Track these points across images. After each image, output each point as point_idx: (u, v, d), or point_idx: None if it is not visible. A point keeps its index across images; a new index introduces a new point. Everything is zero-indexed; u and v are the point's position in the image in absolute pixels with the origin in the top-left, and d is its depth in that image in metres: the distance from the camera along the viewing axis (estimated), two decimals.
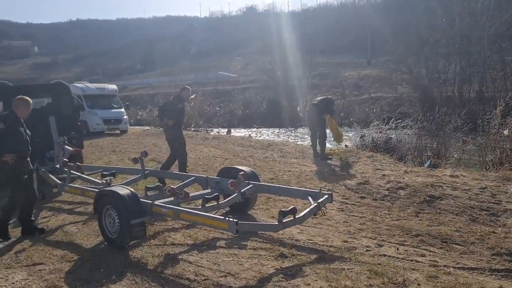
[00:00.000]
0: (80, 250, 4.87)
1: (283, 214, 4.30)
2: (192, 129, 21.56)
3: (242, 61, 73.97)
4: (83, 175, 7.06)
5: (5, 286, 4.03)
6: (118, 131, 20.42)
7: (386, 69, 41.05)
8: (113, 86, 23.19)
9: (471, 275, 3.92)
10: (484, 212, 5.89)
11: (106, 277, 4.04)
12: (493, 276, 3.95)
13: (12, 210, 5.47)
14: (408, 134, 13.02)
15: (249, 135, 18.70)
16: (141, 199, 4.90)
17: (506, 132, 10.40)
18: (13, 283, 4.08)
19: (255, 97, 39.84)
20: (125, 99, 31.18)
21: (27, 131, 5.55)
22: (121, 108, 21.34)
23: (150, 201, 4.88)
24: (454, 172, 7.98)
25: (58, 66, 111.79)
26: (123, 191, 4.84)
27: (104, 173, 6.46)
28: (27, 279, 4.15)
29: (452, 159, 10.75)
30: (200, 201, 5.11)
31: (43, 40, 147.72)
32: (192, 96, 26.24)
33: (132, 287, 3.80)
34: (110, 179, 5.95)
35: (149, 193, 5.51)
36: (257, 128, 29.00)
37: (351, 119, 18.21)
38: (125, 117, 21.43)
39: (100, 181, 6.24)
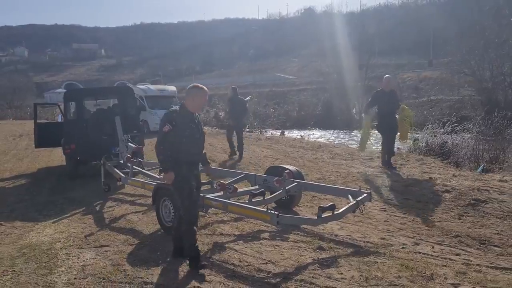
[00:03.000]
0: (140, 235, 5.47)
1: (322, 209, 4.64)
2: (247, 129, 22.13)
3: (299, 63, 74.13)
4: (143, 170, 7.72)
5: (77, 263, 4.66)
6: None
7: (448, 70, 39.69)
8: (173, 88, 24.31)
9: (502, 273, 4.07)
10: None
11: (162, 258, 4.58)
12: None
13: (193, 223, 4.45)
14: (464, 138, 12.78)
15: (301, 136, 18.97)
16: None
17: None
18: (83, 260, 4.71)
19: (311, 99, 39.89)
20: (183, 99, 32.54)
21: (201, 126, 4.63)
22: None
23: (202, 195, 5.38)
24: (503, 177, 7.89)
25: (122, 67, 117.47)
26: None
27: (161, 169, 7.05)
28: (95, 258, 4.77)
29: (506, 164, 10.48)
30: (247, 197, 5.57)
31: (109, 43, 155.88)
32: (248, 98, 26.93)
33: (183, 268, 4.29)
34: None
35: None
36: (310, 129, 29.15)
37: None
38: None
39: (158, 176, 6.84)
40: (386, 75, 9.57)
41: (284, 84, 54.26)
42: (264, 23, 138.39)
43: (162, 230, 5.52)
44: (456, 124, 13.08)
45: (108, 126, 9.31)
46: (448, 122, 13.22)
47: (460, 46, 33.18)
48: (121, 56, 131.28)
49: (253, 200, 5.30)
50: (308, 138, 18.37)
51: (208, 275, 4.10)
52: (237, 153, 11.56)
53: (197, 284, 3.92)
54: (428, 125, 13.93)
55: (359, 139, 10.12)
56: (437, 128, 13.34)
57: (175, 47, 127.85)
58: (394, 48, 62.46)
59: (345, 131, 29.03)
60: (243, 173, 6.92)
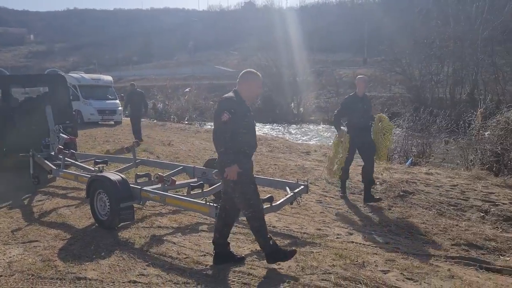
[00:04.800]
0: (72, 230, 5.25)
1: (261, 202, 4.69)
2: (186, 122, 21.89)
3: (239, 56, 74.17)
4: (76, 162, 7.41)
5: (3, 259, 4.39)
6: (112, 122, 20.72)
7: (381, 69, 41.47)
8: (109, 77, 23.45)
9: (427, 260, 4.34)
10: (451, 207, 6.33)
11: (96, 253, 4.43)
12: (447, 262, 4.37)
13: (262, 217, 4.07)
14: (395, 133, 13.43)
15: None
16: (131, 185, 5.29)
17: (487, 134, 10.85)
18: (10, 257, 4.45)
19: None
20: (120, 90, 31.46)
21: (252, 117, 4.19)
22: (116, 99, 21.59)
23: (139, 187, 5.26)
24: (429, 170, 8.41)
25: (54, 54, 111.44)
26: (114, 176, 5.23)
27: (96, 160, 6.82)
28: (23, 254, 4.52)
29: (432, 158, 11.17)
30: (186, 189, 5.52)
31: (39, 28, 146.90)
32: (187, 89, 26.63)
33: (119, 263, 4.18)
34: (102, 166, 6.30)
35: (138, 180, 5.90)
36: None
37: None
38: (120, 108, 21.70)
39: (92, 168, 6.60)
40: (360, 76, 7.14)
41: (224, 77, 54.05)
42: (204, 15, 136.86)
43: (96, 224, 5.33)
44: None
45: (37, 115, 8.82)
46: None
47: (392, 46, 34.78)
48: (52, 43, 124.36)
49: (191, 193, 5.27)
50: None
51: (144, 269, 4.03)
52: (136, 140, 12.16)
53: (133, 278, 3.84)
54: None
55: (327, 160, 7.37)
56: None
57: (111, 35, 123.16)
58: (331, 45, 64.21)
59: (284, 124, 29.57)
60: (181, 166, 6.86)
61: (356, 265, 3.99)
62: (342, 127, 6.90)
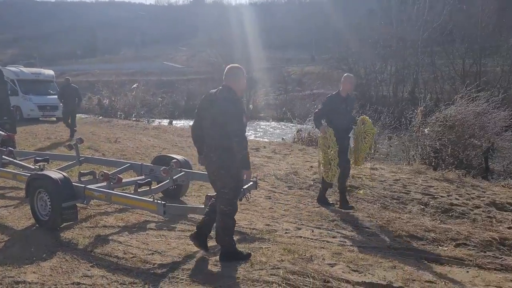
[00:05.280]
0: (11, 231, 4.98)
1: (209, 198, 4.67)
2: (133, 118, 21.39)
3: (188, 52, 73.31)
4: (15, 160, 7.04)
5: None
6: (54, 118, 19.83)
7: (328, 66, 42.39)
8: (50, 72, 22.41)
9: (371, 252, 4.49)
10: (394, 201, 6.59)
11: (36, 255, 4.22)
12: (390, 253, 4.55)
13: (234, 216, 4.16)
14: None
15: (190, 126, 18.89)
16: (74, 184, 5.08)
17: (426, 130, 11.37)
18: None
19: (199, 88, 39.78)
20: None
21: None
22: None
23: (83, 185, 5.07)
24: (374, 165, 8.71)
25: None
26: (55, 175, 5.00)
27: (37, 158, 6.51)
28: None
29: (377, 154, 11.58)
30: (133, 187, 5.38)
31: None
32: (135, 85, 25.98)
33: (62, 264, 4.01)
34: (43, 164, 6.03)
35: (82, 178, 5.68)
36: None
37: (288, 114, 18.84)
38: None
39: (32, 167, 6.29)
40: (347, 74, 6.64)
41: (172, 73, 53.28)
42: (152, 9, 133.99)
43: (37, 225, 5.08)
44: None
45: None
46: None
47: (339, 45, 35.70)
48: None
49: (139, 190, 5.14)
50: None
51: (89, 270, 3.89)
52: (80, 137, 12.67)
53: (76, 280, 3.70)
54: (310, 117, 14.73)
55: (319, 166, 6.47)
56: None
57: (53, 28, 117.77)
58: (280, 42, 64.82)
59: None
60: (128, 163, 6.68)
61: (304, 259, 4.06)
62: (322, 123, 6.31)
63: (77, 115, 14.40)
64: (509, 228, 5.55)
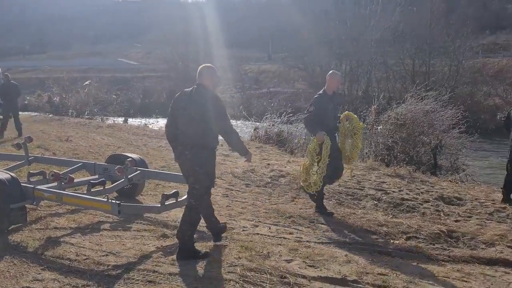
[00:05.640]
0: None
1: (165, 197, 4.62)
2: (86, 116, 20.75)
3: (143, 49, 71.86)
4: None
5: None
6: (0, 116, 18.89)
7: (284, 65, 42.85)
8: None
9: (327, 247, 4.59)
10: (349, 197, 6.75)
11: None
12: (345, 247, 4.66)
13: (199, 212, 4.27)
14: (298, 128, 13.98)
15: (145, 124, 18.55)
16: (22, 184, 4.88)
17: (379, 128, 11.72)
18: None
19: (155, 86, 39.24)
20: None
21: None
22: None
23: (32, 186, 4.87)
24: None
25: None
26: (3, 175, 4.78)
27: None
28: None
29: None
30: (86, 187, 5.22)
31: None
32: (87, 82, 25.20)
33: (10, 268, 3.84)
34: None
35: (32, 179, 5.46)
36: (155, 117, 28.72)
37: (244, 112, 18.90)
38: None
39: None
40: (332, 71, 6.31)
41: (127, 70, 52.12)
42: (106, 3, 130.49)
43: None
44: (291, 115, 14.21)
45: None
46: (284, 113, 14.28)
47: (296, 43, 36.18)
48: None
49: (92, 190, 5.00)
50: (152, 126, 18.05)
51: (39, 273, 3.75)
52: (17, 132, 12.63)
53: (26, 285, 3.55)
54: (267, 115, 14.84)
55: (301, 171, 6.05)
56: (275, 118, 14.30)
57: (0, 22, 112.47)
58: (237, 40, 64.78)
59: None
60: (80, 162, 6.48)
61: (261, 256, 4.09)
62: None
63: (26, 112, 13.83)
64: (456, 221, 5.82)
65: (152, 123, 21.14)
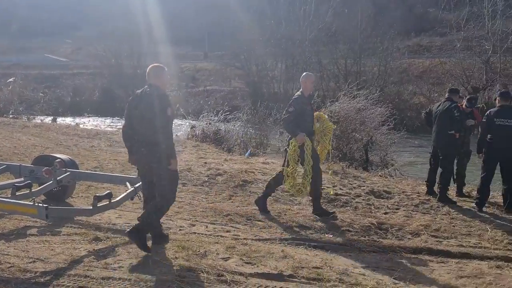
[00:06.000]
0: None
1: (98, 198, 4.45)
2: (10, 116, 19.50)
3: (73, 45, 68.71)
4: None
5: None
6: None
7: (221, 63, 42.73)
8: None
9: (263, 244, 4.65)
10: (285, 193, 6.83)
11: None
12: (281, 244, 4.74)
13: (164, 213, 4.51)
14: (235, 126, 14.03)
15: (76, 123, 17.78)
16: None
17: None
18: None
19: (86, 84, 37.66)
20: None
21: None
22: None
23: None
24: (266, 159, 9.00)
25: None
26: None
27: None
28: None
29: (268, 149, 11.99)
30: (10, 190, 4.92)
31: None
32: (11, 79, 23.71)
33: None
34: None
35: None
36: (87, 116, 27.64)
37: (181, 111, 18.66)
38: None
39: None
40: (306, 73, 6.32)
41: (55, 67, 49.46)
42: None
43: None
44: (228, 113, 14.23)
45: None
46: (221, 111, 14.27)
47: (232, 42, 36.26)
48: None
49: (17, 194, 4.71)
50: (84, 125, 17.33)
51: None
52: None
53: None
54: (204, 113, 14.75)
55: (286, 178, 5.75)
56: (211, 116, 14.25)
57: None
58: (173, 37, 63.72)
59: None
60: (4, 164, 6.08)
61: (198, 255, 4.06)
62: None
63: None
64: (385, 213, 6.11)
65: (84, 122, 20.31)
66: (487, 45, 28.19)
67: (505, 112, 6.29)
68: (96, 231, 4.77)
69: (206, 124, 13.90)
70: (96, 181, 6.28)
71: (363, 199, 6.69)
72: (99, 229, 4.84)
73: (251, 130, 13.71)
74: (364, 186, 7.37)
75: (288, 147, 5.78)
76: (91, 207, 4.43)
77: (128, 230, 4.16)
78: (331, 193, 6.72)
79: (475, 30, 28.83)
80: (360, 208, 6.29)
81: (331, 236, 5.11)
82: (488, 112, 6.55)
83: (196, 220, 5.43)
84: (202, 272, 3.68)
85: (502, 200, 6.51)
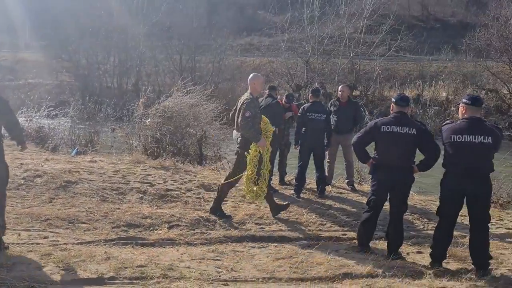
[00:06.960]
0: None
1: None
2: None
3: None
4: None
5: None
6: None
7: (46, 54, 38.90)
8: None
9: (86, 247, 4.37)
10: (114, 192, 6.57)
11: None
12: (106, 245, 4.53)
13: None
14: (61, 122, 12.93)
15: None
16: None
17: (148, 121, 11.77)
18: None
19: None
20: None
21: None
22: None
23: None
24: (93, 158, 8.50)
25: None
26: None
27: None
28: None
29: (98, 146, 11.37)
30: None
31: None
32: None
33: None
34: None
35: None
36: None
37: None
38: None
39: None
40: (254, 73, 6.15)
41: None
42: None
43: None
44: (52, 108, 13.03)
45: None
46: (44, 106, 13.01)
47: (57, 31, 33.31)
48: None
49: None
50: None
51: None
52: None
53: None
54: (23, 109, 13.25)
55: (245, 183, 5.73)
56: (32, 112, 12.88)
57: None
58: None
59: None
60: None
61: (5, 269, 3.62)
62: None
63: None
64: None
65: None
66: (307, 47, 31.16)
67: (315, 107, 7.11)
68: None
69: (26, 120, 12.50)
70: None
71: (193, 193, 6.79)
72: None
73: (80, 127, 12.82)
74: (195, 180, 7.49)
75: (244, 151, 5.67)
76: None
77: None
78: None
79: (297, 33, 31.62)
80: (190, 202, 6.36)
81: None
82: (302, 107, 7.29)
83: (8, 229, 4.83)
84: (8, 287, 3.29)
85: (316, 186, 7.29)
